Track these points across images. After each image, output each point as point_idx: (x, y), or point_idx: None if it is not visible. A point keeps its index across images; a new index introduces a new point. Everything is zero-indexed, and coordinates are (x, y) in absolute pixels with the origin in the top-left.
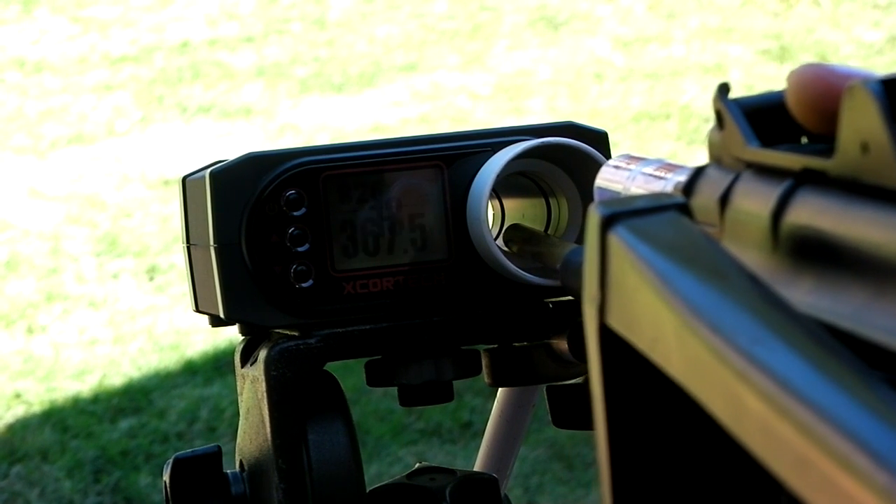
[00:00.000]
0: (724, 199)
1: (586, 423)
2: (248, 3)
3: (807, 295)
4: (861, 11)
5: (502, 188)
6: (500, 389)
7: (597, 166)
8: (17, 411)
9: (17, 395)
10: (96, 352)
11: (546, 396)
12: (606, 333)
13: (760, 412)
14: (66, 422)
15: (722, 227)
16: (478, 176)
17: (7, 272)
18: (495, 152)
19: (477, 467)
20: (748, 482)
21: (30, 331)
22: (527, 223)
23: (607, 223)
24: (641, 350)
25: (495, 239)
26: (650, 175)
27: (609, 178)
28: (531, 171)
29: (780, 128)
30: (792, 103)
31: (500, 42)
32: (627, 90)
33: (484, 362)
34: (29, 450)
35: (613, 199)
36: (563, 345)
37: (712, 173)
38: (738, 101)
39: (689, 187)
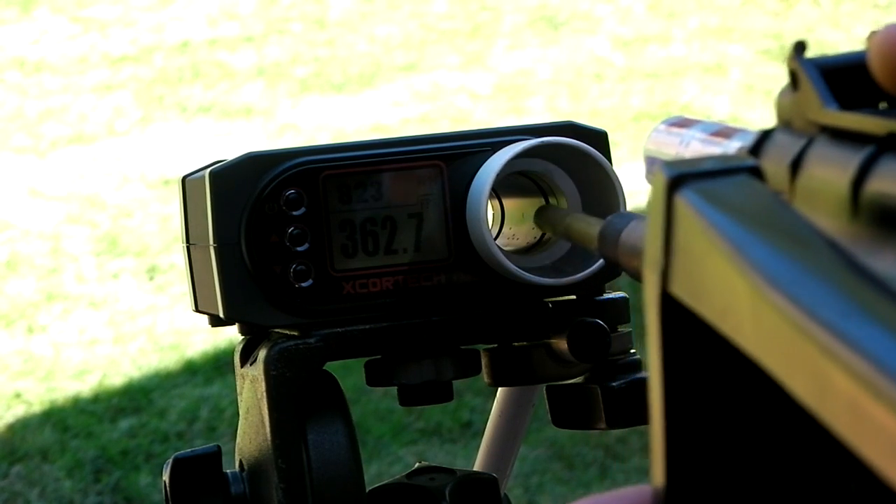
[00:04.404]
0: (796, 165)
1: (586, 423)
2: (248, 3)
3: (891, 267)
4: (861, 11)
5: (502, 188)
6: (499, 389)
7: (597, 166)
8: (17, 411)
9: (17, 395)
10: (96, 352)
11: (546, 396)
12: (668, 302)
13: (850, 392)
14: (66, 421)
15: (792, 194)
16: (477, 175)
17: (7, 272)
18: (495, 152)
19: (477, 467)
20: (816, 466)
21: (30, 330)
22: (526, 223)
23: (674, 185)
24: (709, 320)
25: (495, 239)
26: (706, 140)
27: (660, 143)
28: (531, 171)
29: (858, 91)
30: (876, 65)
31: (500, 42)
32: (627, 90)
33: (483, 362)
34: (29, 449)
35: (679, 160)
36: (562, 344)
37: (781, 137)
38: (815, 61)
39: (754, 151)
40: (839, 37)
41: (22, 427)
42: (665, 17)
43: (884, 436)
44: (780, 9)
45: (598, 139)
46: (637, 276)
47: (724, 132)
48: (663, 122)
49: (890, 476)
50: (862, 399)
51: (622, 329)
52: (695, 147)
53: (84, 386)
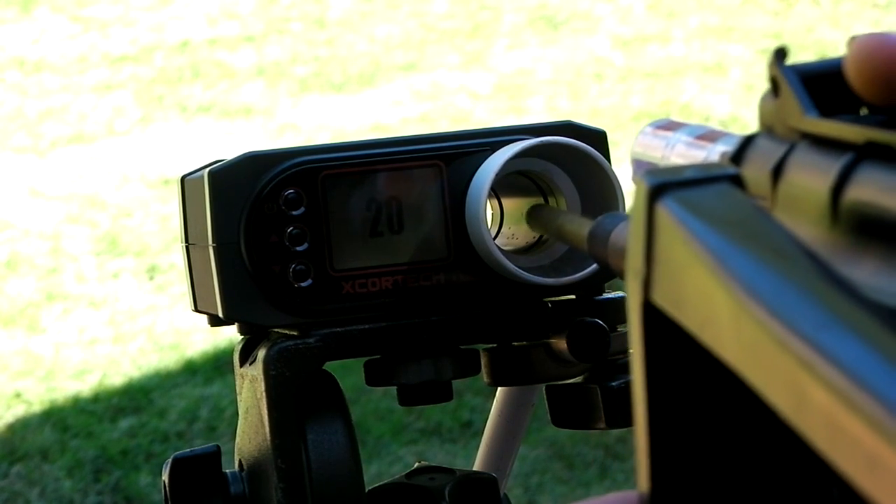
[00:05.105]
0: (777, 171)
1: (586, 423)
2: (248, 2)
3: (870, 276)
4: (861, 10)
5: (501, 187)
6: (499, 389)
7: (596, 166)
8: (18, 411)
9: (18, 395)
10: (96, 351)
11: (545, 396)
12: (650, 310)
13: (826, 404)
14: (66, 421)
15: (773, 200)
16: (476, 175)
17: (7, 272)
18: (494, 151)
19: (476, 467)
20: (798, 472)
21: (30, 330)
22: (525, 223)
23: (655, 193)
24: (689, 330)
25: (494, 238)
26: (691, 143)
27: (647, 146)
28: (530, 171)
29: (838, 97)
30: (852, 73)
31: (499, 41)
32: (627, 89)
33: (483, 362)
34: (29, 449)
35: (661, 168)
36: (562, 344)
37: (763, 143)
38: (795, 68)
39: (737, 157)
40: (839, 36)
41: (22, 427)
42: (665, 16)
43: (859, 449)
44: (779, 8)
45: (598, 139)
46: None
47: (709, 136)
48: (650, 125)
49: (865, 489)
50: (838, 412)
51: (621, 329)
52: (680, 150)
53: (84, 386)
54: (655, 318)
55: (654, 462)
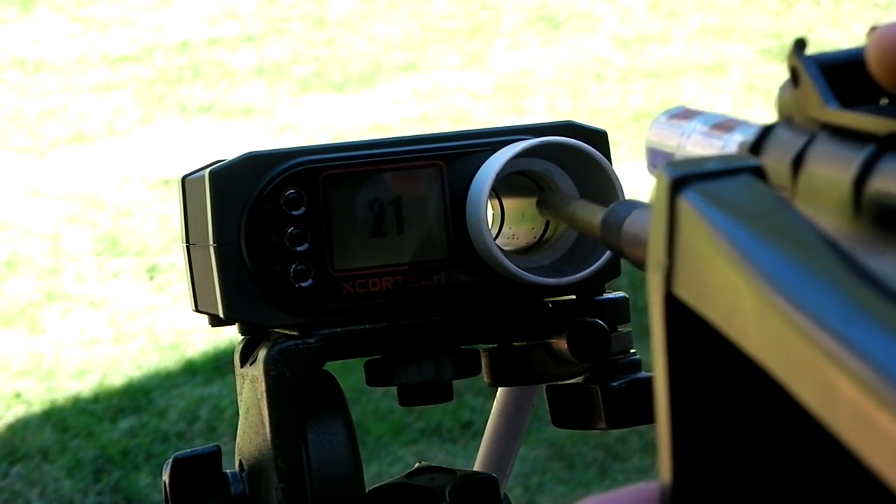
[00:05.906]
0: (798, 162)
1: (586, 423)
2: (249, 2)
3: (893, 268)
4: (861, 10)
5: (501, 187)
6: (499, 389)
7: (596, 166)
8: (18, 411)
9: (18, 395)
10: (96, 351)
11: (546, 396)
12: (672, 303)
13: (855, 399)
14: (66, 421)
15: (794, 191)
16: (477, 175)
17: (7, 272)
18: (495, 151)
19: (476, 467)
20: (822, 465)
21: (30, 330)
22: (526, 223)
23: (677, 186)
24: (713, 323)
25: (495, 238)
26: (707, 133)
27: (662, 135)
28: (531, 171)
29: (859, 87)
30: (873, 63)
31: (500, 41)
32: (627, 89)
33: (483, 362)
34: (29, 449)
35: (682, 160)
36: (562, 344)
37: (782, 133)
38: (815, 58)
39: (756, 147)
40: (839, 36)
41: (22, 427)
42: (665, 16)
43: (889, 443)
44: (780, 8)
45: (598, 139)
46: (640, 266)
47: (725, 125)
48: (664, 114)
49: (895, 483)
50: (867, 406)
51: (622, 329)
52: (696, 140)
53: (84, 386)
54: (677, 311)
55: (676, 454)
